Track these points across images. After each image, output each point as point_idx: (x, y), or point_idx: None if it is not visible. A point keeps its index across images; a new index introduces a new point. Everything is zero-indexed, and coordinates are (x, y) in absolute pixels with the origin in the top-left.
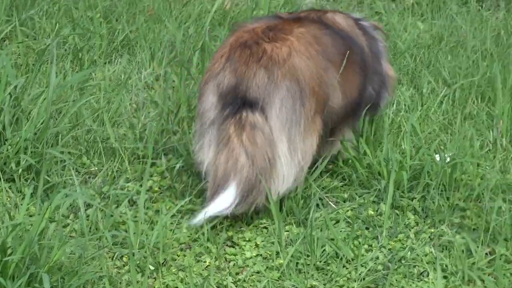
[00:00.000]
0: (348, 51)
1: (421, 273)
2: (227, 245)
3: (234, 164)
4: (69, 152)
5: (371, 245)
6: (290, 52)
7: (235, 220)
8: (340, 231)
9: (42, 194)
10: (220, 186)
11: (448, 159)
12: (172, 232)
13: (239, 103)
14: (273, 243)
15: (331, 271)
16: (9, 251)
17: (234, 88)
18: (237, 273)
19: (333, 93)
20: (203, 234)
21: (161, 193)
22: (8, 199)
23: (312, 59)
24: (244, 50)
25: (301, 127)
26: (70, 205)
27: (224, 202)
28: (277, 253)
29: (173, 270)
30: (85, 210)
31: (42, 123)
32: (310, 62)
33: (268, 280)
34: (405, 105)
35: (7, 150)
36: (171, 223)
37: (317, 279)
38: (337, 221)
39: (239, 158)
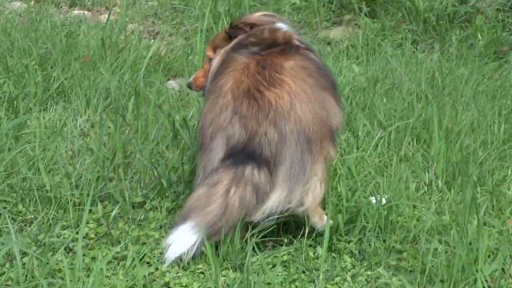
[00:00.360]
0: (327, 71)
1: None
2: None
3: (203, 206)
4: (4, 200)
5: None
6: (291, 100)
7: (171, 265)
8: (277, 275)
9: None
10: (181, 218)
11: (384, 201)
12: (109, 278)
13: (247, 158)
14: None
15: None
16: None
17: (245, 145)
18: None
19: (336, 117)
20: (139, 280)
21: (97, 239)
22: None
23: (311, 101)
24: (250, 101)
25: (306, 176)
26: (6, 253)
27: (179, 235)
28: None
29: None
30: (21, 258)
31: None
32: (310, 105)
33: None
34: (340, 148)
35: None
36: (107, 270)
37: None
38: (274, 265)
39: (212, 205)
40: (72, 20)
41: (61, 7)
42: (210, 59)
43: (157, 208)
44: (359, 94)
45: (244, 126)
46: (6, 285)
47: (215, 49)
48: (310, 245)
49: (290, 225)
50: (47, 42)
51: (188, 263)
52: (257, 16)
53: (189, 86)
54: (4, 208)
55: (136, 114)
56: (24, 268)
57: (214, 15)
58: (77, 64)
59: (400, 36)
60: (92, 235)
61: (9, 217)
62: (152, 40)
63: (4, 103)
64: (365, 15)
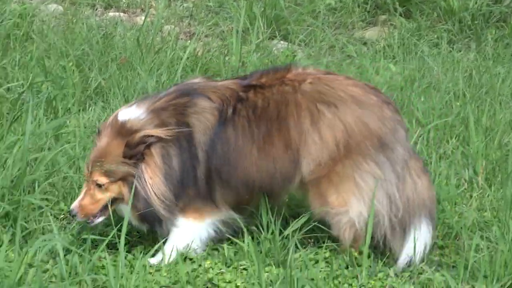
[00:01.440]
0: None
1: None
2: (207, 287)
3: None
4: (46, 199)
5: (351, 284)
6: None
7: (214, 262)
8: (320, 271)
9: (20, 240)
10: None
11: None
12: (152, 275)
13: None
14: (253, 284)
15: None
16: None
17: None
18: None
19: None
20: (182, 276)
21: (139, 236)
22: None
23: None
24: None
25: None
26: (49, 251)
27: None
28: None
29: None
30: (64, 255)
31: (18, 171)
32: None
33: None
34: None
35: None
36: (151, 266)
37: None
38: (317, 261)
39: None
40: (108, 22)
41: (96, 9)
42: (99, 185)
43: None
44: (396, 93)
45: None
46: (50, 281)
47: (107, 175)
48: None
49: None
50: (84, 43)
51: (230, 259)
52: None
53: (73, 214)
54: (47, 206)
55: None
56: (67, 265)
57: (249, 16)
58: (114, 65)
59: (435, 35)
60: (135, 232)
61: (51, 214)
62: (189, 41)
63: (43, 104)
64: (400, 15)
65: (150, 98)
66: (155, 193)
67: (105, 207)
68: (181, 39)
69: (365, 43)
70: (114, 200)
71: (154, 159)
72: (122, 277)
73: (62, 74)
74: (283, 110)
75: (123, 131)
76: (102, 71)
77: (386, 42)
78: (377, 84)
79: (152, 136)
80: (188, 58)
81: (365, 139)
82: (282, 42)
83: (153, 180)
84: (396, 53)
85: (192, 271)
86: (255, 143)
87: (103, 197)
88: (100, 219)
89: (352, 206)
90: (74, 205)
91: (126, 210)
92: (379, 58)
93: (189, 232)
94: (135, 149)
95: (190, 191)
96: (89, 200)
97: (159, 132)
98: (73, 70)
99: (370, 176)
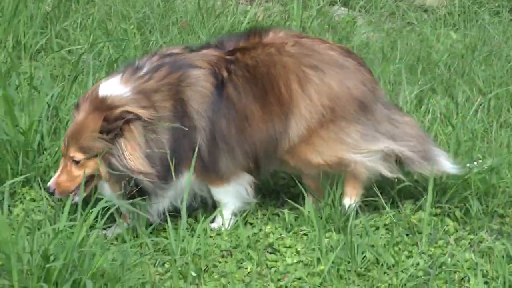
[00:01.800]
0: None
1: (462, 279)
2: (268, 252)
3: None
4: None
5: (411, 251)
6: None
7: (275, 227)
8: (380, 238)
9: (82, 202)
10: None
11: (485, 167)
12: (213, 239)
13: None
14: (313, 249)
15: (372, 277)
16: (51, 258)
17: None
18: (278, 280)
19: None
20: (243, 241)
21: (201, 201)
22: (49, 207)
23: None
24: None
25: None
26: (111, 215)
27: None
28: (318, 259)
29: (215, 276)
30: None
31: None
32: None
33: (309, 286)
34: (440, 114)
35: (46, 160)
36: (211, 230)
37: (358, 285)
38: (377, 228)
39: None
40: None
41: None
42: (75, 161)
43: None
44: (457, 60)
45: None
46: (111, 243)
47: (83, 151)
48: (412, 209)
49: (390, 189)
50: (145, 6)
51: (290, 224)
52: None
53: (50, 191)
54: None
55: None
56: (128, 227)
57: None
58: (175, 28)
59: (496, 3)
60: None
61: None
62: (249, 6)
63: (104, 66)
64: None
65: (133, 70)
66: (137, 169)
67: (85, 184)
68: (242, 3)
69: (425, 10)
70: (92, 177)
71: (134, 136)
72: (183, 240)
73: (123, 37)
74: (272, 70)
75: (103, 106)
76: (163, 34)
77: (446, 9)
78: (438, 51)
79: (132, 113)
80: (248, 22)
81: (348, 103)
82: (342, 8)
83: (133, 156)
84: (456, 21)
85: (252, 236)
86: (258, 101)
87: (80, 173)
88: (78, 197)
89: (328, 160)
90: (51, 182)
91: (105, 187)
92: (440, 25)
93: (225, 197)
94: (113, 124)
95: (189, 163)
96: (65, 177)
97: (141, 112)
98: (134, 33)
99: (356, 133)
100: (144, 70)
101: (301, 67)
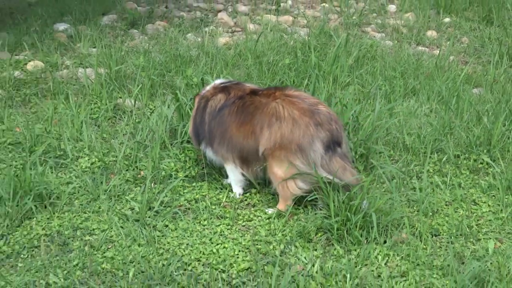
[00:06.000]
0: None
1: None
2: None
3: (344, 169)
4: (384, 147)
5: None
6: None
7: None
8: None
9: (369, 169)
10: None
11: None
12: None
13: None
14: None
15: None
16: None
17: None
18: None
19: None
20: None
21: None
22: None
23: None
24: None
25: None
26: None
27: None
28: None
29: None
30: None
31: (369, 131)
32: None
33: None
34: None
35: (353, 144)
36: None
37: None
38: None
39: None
40: (417, 52)
41: (411, 44)
42: None
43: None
44: None
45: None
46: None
47: None
48: None
49: None
50: (405, 63)
51: None
52: None
53: None
54: (385, 150)
55: None
56: None
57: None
58: (422, 76)
59: None
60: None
61: (388, 156)
62: (464, 66)
63: (382, 97)
64: None
65: (211, 87)
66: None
67: None
68: (459, 64)
69: None
70: None
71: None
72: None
73: (393, 78)
74: (256, 111)
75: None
76: (413, 80)
77: None
78: None
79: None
80: (463, 76)
81: (290, 143)
82: None
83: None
84: None
85: None
86: (235, 123)
87: None
88: None
89: (277, 174)
90: None
91: None
92: None
93: (227, 169)
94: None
95: (204, 137)
96: None
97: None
98: (396, 77)
99: (287, 161)
100: (221, 82)
101: (271, 117)
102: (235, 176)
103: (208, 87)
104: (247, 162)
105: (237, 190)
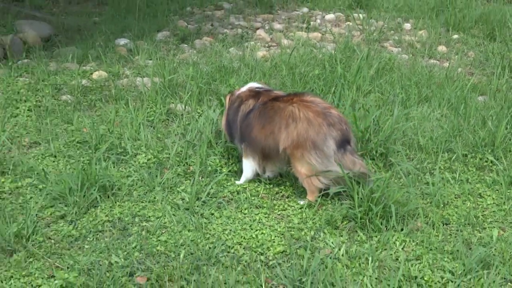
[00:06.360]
0: None
1: None
2: None
3: (353, 163)
4: (401, 147)
5: None
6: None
7: None
8: None
9: (388, 166)
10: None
11: None
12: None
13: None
14: None
15: None
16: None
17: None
18: None
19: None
20: None
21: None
22: (373, 169)
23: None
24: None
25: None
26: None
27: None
28: None
29: None
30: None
31: (388, 133)
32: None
33: None
34: None
35: (374, 144)
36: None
37: None
38: None
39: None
40: (430, 65)
41: (424, 57)
42: None
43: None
44: None
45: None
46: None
47: None
48: None
49: None
50: (417, 74)
51: None
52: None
53: None
54: (402, 150)
55: None
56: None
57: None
58: (434, 85)
59: None
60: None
61: (406, 155)
62: (470, 77)
63: (397, 103)
64: None
65: (246, 89)
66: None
67: None
68: (466, 75)
69: None
70: None
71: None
72: None
73: (408, 87)
74: (275, 115)
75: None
76: (426, 89)
77: None
78: None
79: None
80: (470, 86)
81: (306, 141)
82: None
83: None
84: None
85: None
86: (259, 124)
87: None
88: None
89: (301, 172)
90: None
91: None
92: None
93: (244, 163)
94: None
95: (236, 135)
96: None
97: (228, 96)
98: (411, 86)
99: (307, 159)
100: (256, 86)
101: (288, 119)
102: (247, 173)
103: (244, 88)
104: (268, 158)
105: (241, 182)
